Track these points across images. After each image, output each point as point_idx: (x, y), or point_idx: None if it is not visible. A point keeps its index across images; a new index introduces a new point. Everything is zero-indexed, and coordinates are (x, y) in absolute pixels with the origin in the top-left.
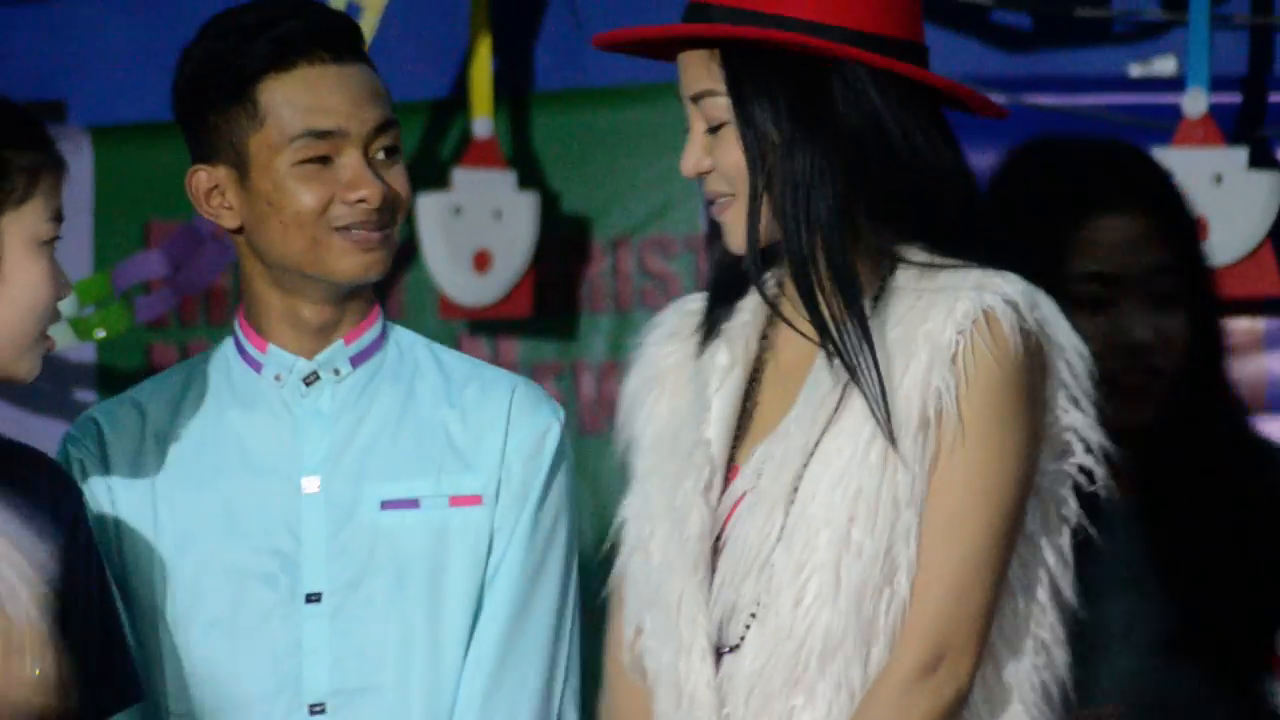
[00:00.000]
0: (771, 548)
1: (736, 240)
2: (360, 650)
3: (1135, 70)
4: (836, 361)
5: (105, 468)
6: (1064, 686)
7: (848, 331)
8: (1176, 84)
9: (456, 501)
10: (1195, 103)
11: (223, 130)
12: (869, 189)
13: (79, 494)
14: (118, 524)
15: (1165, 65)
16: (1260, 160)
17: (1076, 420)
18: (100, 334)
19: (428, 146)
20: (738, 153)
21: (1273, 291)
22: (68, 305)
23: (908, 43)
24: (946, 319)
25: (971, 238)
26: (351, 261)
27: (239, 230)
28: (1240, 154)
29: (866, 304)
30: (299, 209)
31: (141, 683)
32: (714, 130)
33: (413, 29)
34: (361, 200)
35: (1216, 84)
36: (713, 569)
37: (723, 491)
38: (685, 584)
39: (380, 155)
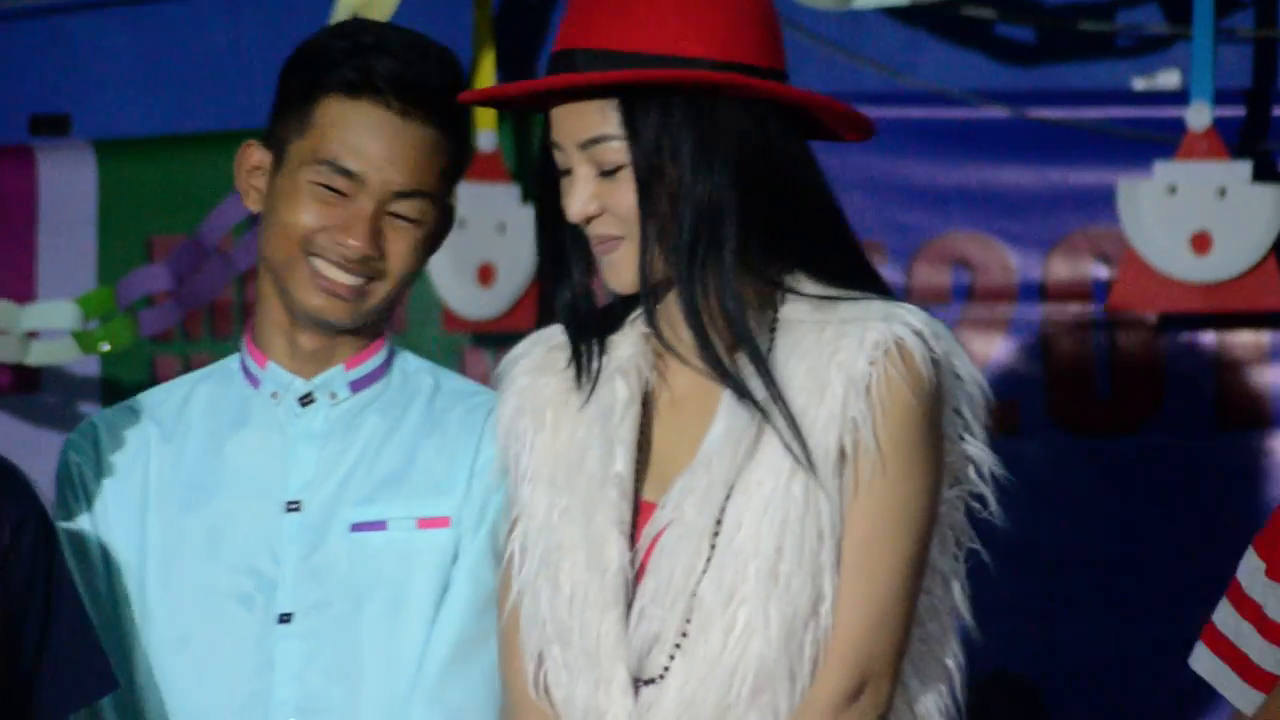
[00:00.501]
0: (698, 579)
1: (626, 280)
2: (326, 671)
3: (1139, 84)
4: (756, 392)
5: (100, 476)
6: (963, 713)
7: (745, 369)
8: (1180, 97)
9: (424, 524)
10: (1199, 116)
11: (282, 121)
12: (763, 222)
13: (27, 491)
14: (107, 533)
15: (1169, 79)
16: (1264, 174)
17: (972, 448)
18: (105, 347)
19: None
20: (634, 194)
21: (1277, 305)
22: (73, 319)
23: (784, 73)
24: (858, 350)
25: (851, 268)
26: (310, 297)
27: (257, 218)
28: (1244, 167)
29: (764, 337)
30: (293, 220)
31: (114, 673)
32: (607, 174)
33: None
34: (343, 245)
35: (1220, 97)
36: (628, 601)
37: (632, 524)
38: (604, 617)
39: (395, 216)
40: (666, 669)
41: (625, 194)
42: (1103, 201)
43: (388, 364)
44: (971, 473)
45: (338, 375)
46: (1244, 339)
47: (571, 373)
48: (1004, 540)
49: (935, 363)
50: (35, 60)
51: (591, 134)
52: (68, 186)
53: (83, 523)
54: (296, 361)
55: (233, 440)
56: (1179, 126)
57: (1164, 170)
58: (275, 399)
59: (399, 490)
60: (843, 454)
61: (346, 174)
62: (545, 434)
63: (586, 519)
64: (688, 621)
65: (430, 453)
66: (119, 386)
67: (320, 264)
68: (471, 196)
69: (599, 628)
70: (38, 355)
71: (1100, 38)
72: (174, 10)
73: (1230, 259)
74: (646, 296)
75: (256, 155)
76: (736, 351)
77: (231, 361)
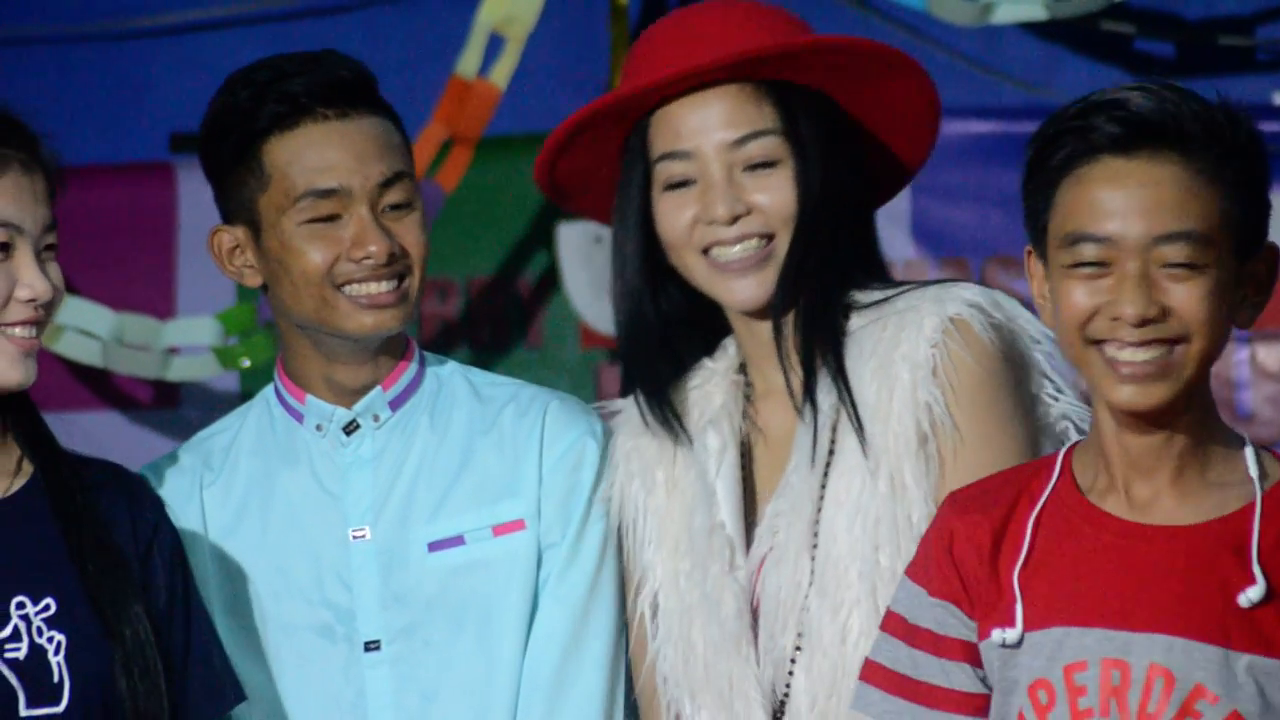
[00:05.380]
0: (805, 594)
1: (758, 292)
2: (423, 694)
3: (1279, 98)
4: (823, 404)
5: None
6: None
7: (822, 381)
8: None
9: (500, 530)
10: None
11: (235, 191)
12: (856, 228)
13: (158, 502)
14: None
15: None
16: None
17: (1067, 406)
18: (245, 363)
19: None
20: (789, 191)
21: None
22: (214, 335)
23: None
24: (918, 337)
25: (882, 264)
26: (361, 320)
27: (264, 288)
28: None
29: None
30: (305, 268)
31: (241, 683)
32: (752, 170)
33: (554, 61)
34: (367, 257)
35: None
36: (754, 631)
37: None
38: (732, 662)
39: (390, 209)
40: (789, 686)
41: (780, 189)
42: None
43: (421, 373)
44: (1072, 432)
45: (377, 398)
46: None
47: (663, 428)
48: None
49: (998, 328)
50: (175, 78)
51: (750, 129)
52: (207, 203)
53: None
54: (334, 393)
55: (285, 477)
56: None
57: None
58: (320, 431)
59: (468, 501)
60: (924, 439)
61: (328, 194)
62: (658, 495)
63: (704, 575)
64: (800, 635)
65: (489, 453)
66: None
67: (353, 288)
68: None
69: (729, 674)
70: (178, 371)
71: (1240, 52)
72: (309, 27)
73: None
74: (779, 307)
75: (228, 238)
76: (827, 358)
77: (266, 395)
